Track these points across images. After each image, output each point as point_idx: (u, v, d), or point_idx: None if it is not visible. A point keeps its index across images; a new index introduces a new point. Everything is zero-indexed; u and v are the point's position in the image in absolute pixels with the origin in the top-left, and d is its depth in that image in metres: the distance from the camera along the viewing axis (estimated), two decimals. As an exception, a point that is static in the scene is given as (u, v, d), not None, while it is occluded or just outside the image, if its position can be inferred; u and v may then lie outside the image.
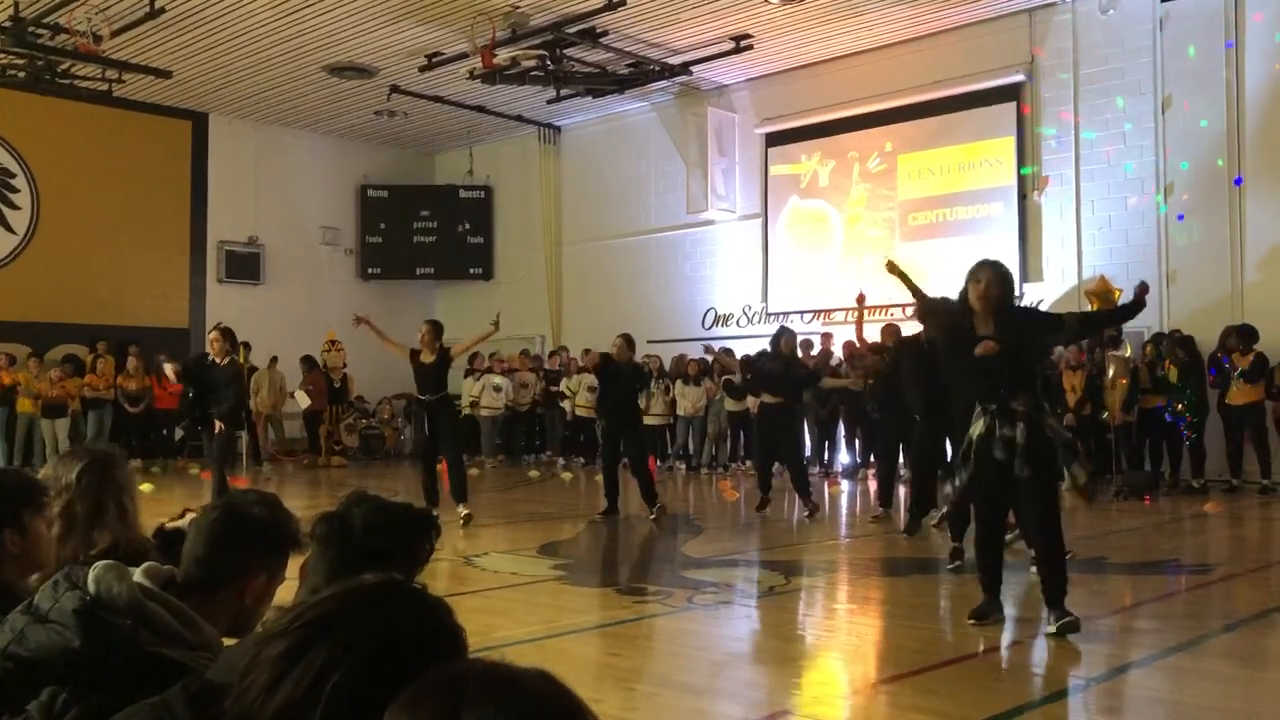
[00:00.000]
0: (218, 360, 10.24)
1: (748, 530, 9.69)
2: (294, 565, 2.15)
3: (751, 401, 12.84)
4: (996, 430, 5.29)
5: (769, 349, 10.45)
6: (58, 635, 1.74)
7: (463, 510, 9.51)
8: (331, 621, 1.21)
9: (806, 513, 9.93)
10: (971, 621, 5.39)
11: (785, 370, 10.20)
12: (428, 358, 9.82)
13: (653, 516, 9.87)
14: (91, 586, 1.81)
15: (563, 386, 16.61)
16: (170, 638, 1.81)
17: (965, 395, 5.52)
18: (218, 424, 10.20)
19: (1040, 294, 14.04)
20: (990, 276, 5.41)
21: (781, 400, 10.16)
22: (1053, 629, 5.14)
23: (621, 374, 10.35)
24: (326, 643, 1.18)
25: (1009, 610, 5.65)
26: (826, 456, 14.78)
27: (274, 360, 17.15)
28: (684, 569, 7.35)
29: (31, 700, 1.71)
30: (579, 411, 16.15)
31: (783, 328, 10.82)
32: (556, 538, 8.95)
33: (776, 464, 11.13)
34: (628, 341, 10.46)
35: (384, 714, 1.05)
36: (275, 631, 1.23)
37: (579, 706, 1.07)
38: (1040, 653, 5.21)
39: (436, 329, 9.95)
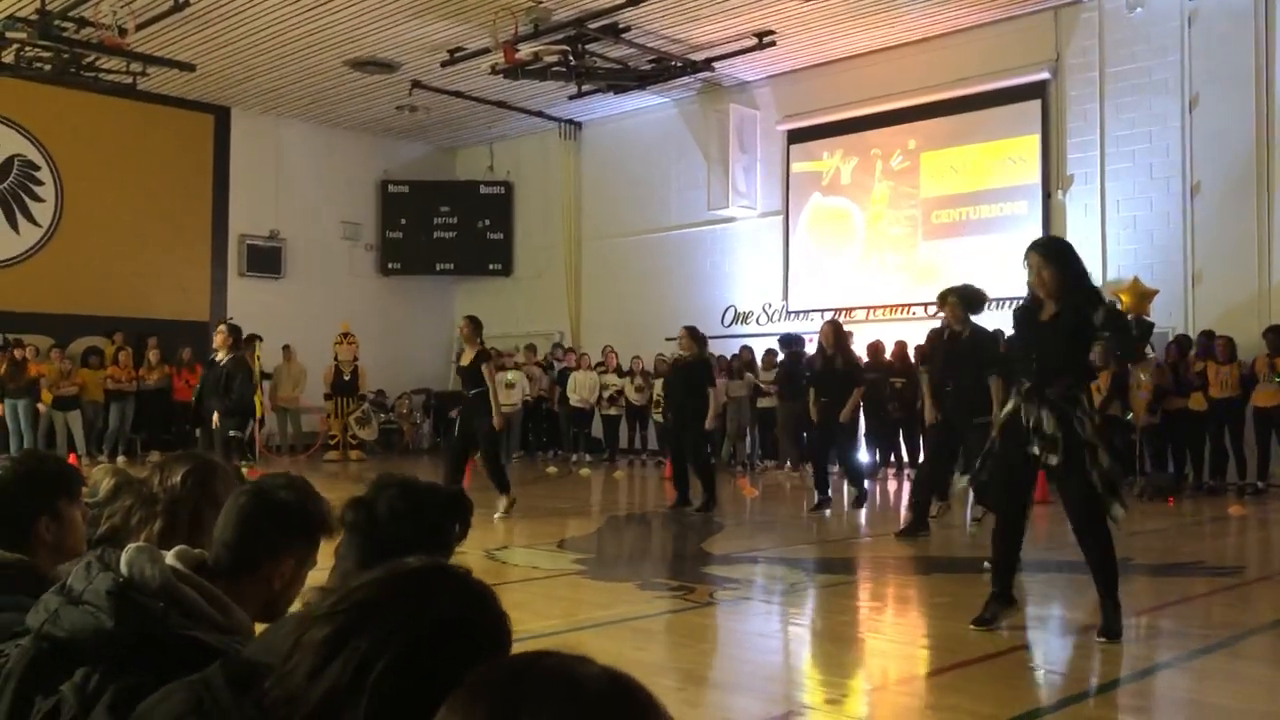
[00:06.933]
0: (220, 356, 10.30)
1: (769, 528, 9.67)
2: (327, 549, 2.13)
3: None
4: (1023, 413, 5.13)
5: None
6: (91, 616, 1.73)
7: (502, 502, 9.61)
8: (375, 606, 1.18)
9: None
10: (972, 626, 5.16)
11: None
12: (466, 358, 9.85)
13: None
14: (124, 568, 1.80)
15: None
16: (201, 621, 1.80)
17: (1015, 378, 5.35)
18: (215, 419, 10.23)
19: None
20: (1037, 260, 5.18)
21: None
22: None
23: None
24: (370, 628, 1.16)
25: (1032, 609, 5.60)
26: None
27: (289, 352, 17.19)
28: (705, 565, 7.34)
29: (65, 681, 1.71)
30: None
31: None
32: (576, 532, 8.95)
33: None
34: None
35: (431, 701, 1.02)
36: (318, 614, 1.21)
37: (648, 709, 0.97)
38: (1066, 652, 5.17)
39: (475, 326, 9.93)
